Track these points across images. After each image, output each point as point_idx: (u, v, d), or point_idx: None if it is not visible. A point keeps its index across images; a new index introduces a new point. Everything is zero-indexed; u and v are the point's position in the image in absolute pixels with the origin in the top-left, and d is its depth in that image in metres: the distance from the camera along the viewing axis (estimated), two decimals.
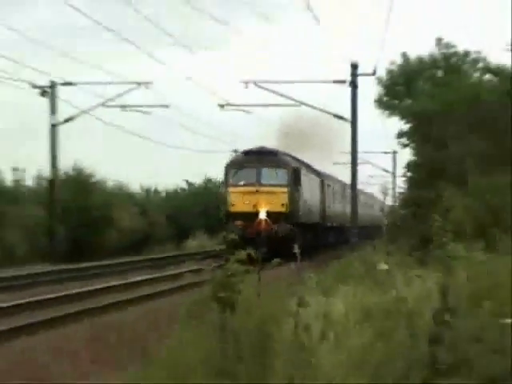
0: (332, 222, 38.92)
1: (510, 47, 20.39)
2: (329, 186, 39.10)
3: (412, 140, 26.35)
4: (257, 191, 28.27)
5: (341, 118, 28.81)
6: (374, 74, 25.48)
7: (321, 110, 30.95)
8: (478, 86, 22.16)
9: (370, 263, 11.97)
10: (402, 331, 5.57)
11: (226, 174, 29.71)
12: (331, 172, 42.23)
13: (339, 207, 41.59)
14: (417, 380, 4.92)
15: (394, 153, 33.60)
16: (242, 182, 29.00)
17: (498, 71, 22.20)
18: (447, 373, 5.00)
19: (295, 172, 30.03)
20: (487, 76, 23.04)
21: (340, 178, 42.61)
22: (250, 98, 35.50)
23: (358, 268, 12.46)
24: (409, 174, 26.77)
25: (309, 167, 35.52)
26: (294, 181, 29.60)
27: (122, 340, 9.10)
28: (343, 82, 27.28)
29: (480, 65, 23.32)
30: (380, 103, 26.80)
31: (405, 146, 27.58)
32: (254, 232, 26.15)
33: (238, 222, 27.35)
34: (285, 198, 28.43)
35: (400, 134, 27.05)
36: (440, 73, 24.46)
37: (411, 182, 25.10)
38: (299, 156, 34.33)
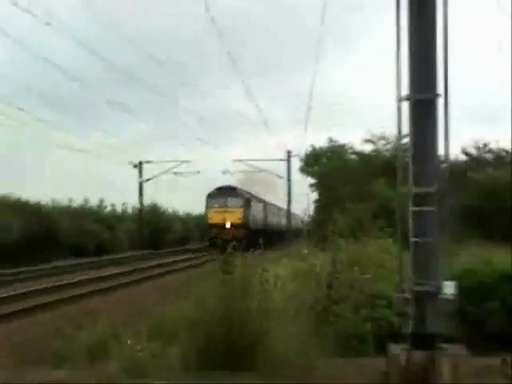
0: (271, 228, 61.04)
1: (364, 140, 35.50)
2: (269, 208, 62.62)
3: (316, 187, 42.38)
4: (225, 211, 47.07)
5: (281, 177, 57.31)
6: (298, 155, 45.64)
7: (270, 173, 58.03)
8: (347, 160, 37.87)
9: (297, 250, 19.22)
10: (313, 281, 10.66)
11: (207, 201, 49.17)
12: (274, 201, 66.23)
13: (276, 220, 67.36)
14: (320, 306, 9.92)
15: (308, 194, 49.81)
16: (216, 205, 48.03)
17: (358, 153, 37.03)
18: (336, 303, 10.08)
19: (247, 199, 49.99)
20: (352, 156, 38.23)
21: (277, 204, 67.32)
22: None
23: (292, 252, 19.82)
24: (316, 204, 42.64)
25: (256, 197, 56.09)
26: (246, 204, 49.03)
27: (170, 290, 15.04)
28: (283, 160, 55.94)
29: (350, 150, 39.17)
30: (302, 170, 44.55)
31: (313, 191, 43.85)
32: (224, 235, 38.60)
33: (214, 230, 44.39)
34: (240, 214, 47.31)
35: (311, 185, 44.08)
36: (329, 154, 40.92)
37: (317, 209, 40.45)
38: (254, 192, 55.79)
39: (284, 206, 62.20)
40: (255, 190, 58.17)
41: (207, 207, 48.51)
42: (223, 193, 48.01)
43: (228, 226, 45.38)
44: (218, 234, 41.32)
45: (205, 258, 29.90)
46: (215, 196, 48.47)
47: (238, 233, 41.06)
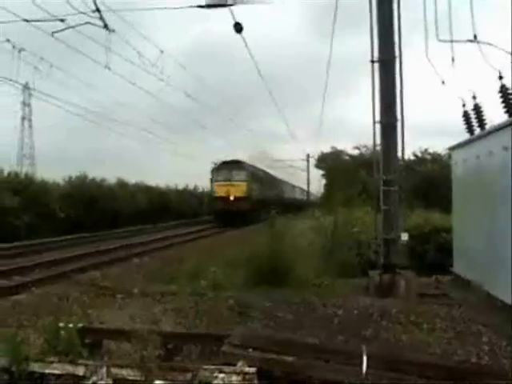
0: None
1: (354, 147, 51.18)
2: (279, 183, 65.51)
3: (325, 176, 58.51)
4: (230, 184, 45.18)
5: (303, 170, 73.72)
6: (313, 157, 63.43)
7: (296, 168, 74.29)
8: (343, 160, 53.76)
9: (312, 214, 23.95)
10: (322, 235, 16.06)
11: (212, 175, 47.05)
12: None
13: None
14: (328, 248, 15.25)
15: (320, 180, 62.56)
16: (221, 179, 45.97)
17: (350, 155, 53.77)
18: (337, 246, 15.40)
19: (252, 173, 48.25)
20: (346, 157, 54.56)
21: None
22: None
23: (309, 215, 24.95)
24: (324, 186, 54.51)
25: (264, 171, 57.95)
26: (252, 178, 47.39)
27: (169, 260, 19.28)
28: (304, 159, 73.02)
29: (345, 154, 55.22)
30: (316, 166, 66.38)
31: (323, 178, 59.19)
32: (229, 208, 43.54)
33: (219, 203, 44.58)
34: (245, 187, 45.23)
35: (322, 175, 61.35)
36: (333, 156, 57.60)
37: (325, 189, 51.38)
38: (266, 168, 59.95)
39: (300, 185, 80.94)
40: (278, 171, 66.04)
41: (213, 181, 47.14)
42: (228, 167, 46.60)
43: (232, 198, 44.79)
44: (224, 206, 43.79)
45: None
46: (221, 170, 47.00)
47: (242, 205, 43.46)
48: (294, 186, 78.03)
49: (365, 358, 5.84)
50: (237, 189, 44.95)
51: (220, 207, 44.58)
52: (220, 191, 45.49)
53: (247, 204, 44.21)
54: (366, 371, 5.72)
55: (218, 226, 42.14)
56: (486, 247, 11.95)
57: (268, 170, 62.18)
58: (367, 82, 13.11)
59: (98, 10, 15.29)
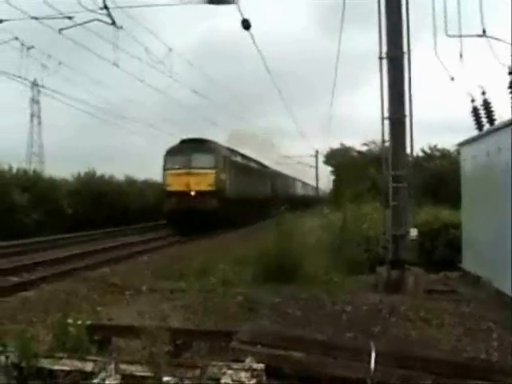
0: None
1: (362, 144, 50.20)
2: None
3: (333, 173, 59.09)
4: (189, 173, 31.82)
5: (312, 166, 73.42)
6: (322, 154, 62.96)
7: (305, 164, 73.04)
8: (351, 156, 53.41)
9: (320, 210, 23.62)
10: (330, 232, 16.04)
11: (165, 160, 33.37)
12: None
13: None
14: (335, 246, 15.23)
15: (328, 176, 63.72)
16: (177, 166, 32.49)
17: (359, 152, 52.64)
18: (345, 242, 15.38)
19: (224, 157, 34.26)
20: (355, 153, 53.63)
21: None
22: None
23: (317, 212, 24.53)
24: (333, 183, 56.92)
25: (246, 157, 43.72)
26: (223, 164, 33.68)
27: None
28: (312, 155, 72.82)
29: (353, 150, 54.69)
30: (324, 162, 66.15)
31: (332, 173, 60.13)
32: (186, 206, 31.03)
33: (173, 200, 31.58)
34: (212, 178, 32.10)
35: (331, 171, 61.30)
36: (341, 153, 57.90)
37: (334, 185, 54.56)
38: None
39: (307, 180, 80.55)
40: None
41: (165, 168, 33.30)
42: (188, 148, 32.51)
43: (193, 194, 31.46)
44: (180, 206, 31.00)
45: None
46: (176, 153, 33.05)
47: (208, 203, 30.65)
48: (294, 180, 71.99)
49: (373, 355, 5.83)
50: (200, 180, 31.61)
51: (174, 206, 31.53)
52: (175, 183, 32.14)
53: (215, 201, 31.18)
54: (375, 368, 5.70)
55: (173, 235, 31.21)
56: (495, 243, 11.91)
57: (259, 161, 49.76)
58: (375, 78, 13.14)
59: (106, 7, 15.33)
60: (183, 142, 33.65)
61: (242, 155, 42.64)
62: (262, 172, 49.28)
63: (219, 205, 31.24)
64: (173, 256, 19.61)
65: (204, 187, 31.33)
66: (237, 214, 34.73)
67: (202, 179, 31.50)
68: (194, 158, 32.05)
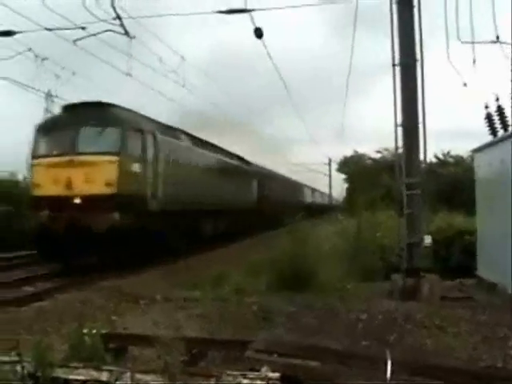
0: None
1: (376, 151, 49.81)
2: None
3: (347, 179, 58.99)
4: (71, 162, 17.37)
5: (325, 174, 70.52)
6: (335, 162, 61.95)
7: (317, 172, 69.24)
8: (364, 164, 53.38)
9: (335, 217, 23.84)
10: (345, 239, 16.03)
11: (34, 142, 18.85)
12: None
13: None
14: (350, 253, 15.21)
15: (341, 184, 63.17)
16: (55, 152, 18.18)
17: (372, 159, 52.42)
18: (360, 250, 15.35)
19: (140, 132, 19.19)
20: (368, 161, 53.62)
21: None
22: None
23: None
24: (347, 190, 57.18)
25: (197, 139, 27.39)
26: (141, 146, 18.98)
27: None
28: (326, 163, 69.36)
29: (367, 157, 54.38)
30: (338, 170, 64.42)
31: (345, 181, 60.17)
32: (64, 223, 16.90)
33: (45, 212, 17.38)
34: (114, 171, 17.37)
35: (344, 179, 60.91)
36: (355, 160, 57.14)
37: (347, 193, 54.69)
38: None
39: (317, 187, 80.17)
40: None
41: (32, 156, 18.78)
42: (74, 120, 18.20)
43: (78, 202, 17.02)
44: (55, 221, 16.92)
45: None
46: (53, 128, 18.78)
47: (104, 219, 16.61)
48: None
49: (389, 363, 5.80)
50: (91, 175, 17.22)
51: (46, 223, 17.18)
52: (46, 184, 17.63)
53: (115, 215, 17.04)
54: (391, 376, 5.68)
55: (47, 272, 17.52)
56: (511, 250, 11.82)
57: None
58: (388, 85, 13.14)
59: (118, 17, 15.41)
60: (67, 108, 19.62)
61: (194, 137, 26.79)
62: (240, 170, 34.53)
63: (127, 221, 17.30)
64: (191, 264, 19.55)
65: (97, 189, 17.05)
66: (176, 238, 21.08)
67: (93, 174, 17.22)
68: (81, 137, 17.80)
